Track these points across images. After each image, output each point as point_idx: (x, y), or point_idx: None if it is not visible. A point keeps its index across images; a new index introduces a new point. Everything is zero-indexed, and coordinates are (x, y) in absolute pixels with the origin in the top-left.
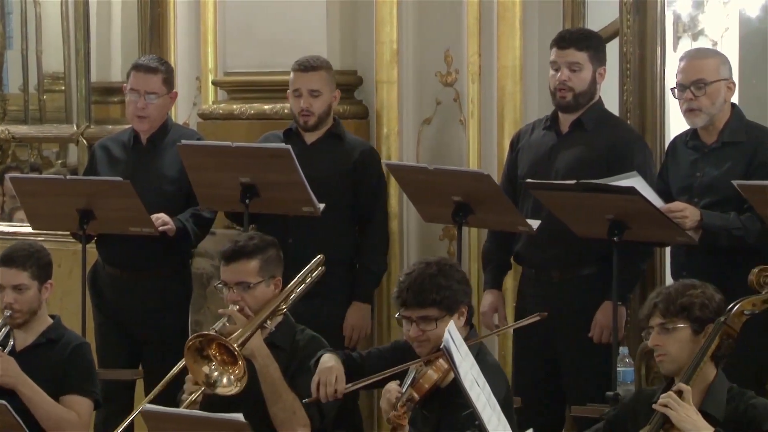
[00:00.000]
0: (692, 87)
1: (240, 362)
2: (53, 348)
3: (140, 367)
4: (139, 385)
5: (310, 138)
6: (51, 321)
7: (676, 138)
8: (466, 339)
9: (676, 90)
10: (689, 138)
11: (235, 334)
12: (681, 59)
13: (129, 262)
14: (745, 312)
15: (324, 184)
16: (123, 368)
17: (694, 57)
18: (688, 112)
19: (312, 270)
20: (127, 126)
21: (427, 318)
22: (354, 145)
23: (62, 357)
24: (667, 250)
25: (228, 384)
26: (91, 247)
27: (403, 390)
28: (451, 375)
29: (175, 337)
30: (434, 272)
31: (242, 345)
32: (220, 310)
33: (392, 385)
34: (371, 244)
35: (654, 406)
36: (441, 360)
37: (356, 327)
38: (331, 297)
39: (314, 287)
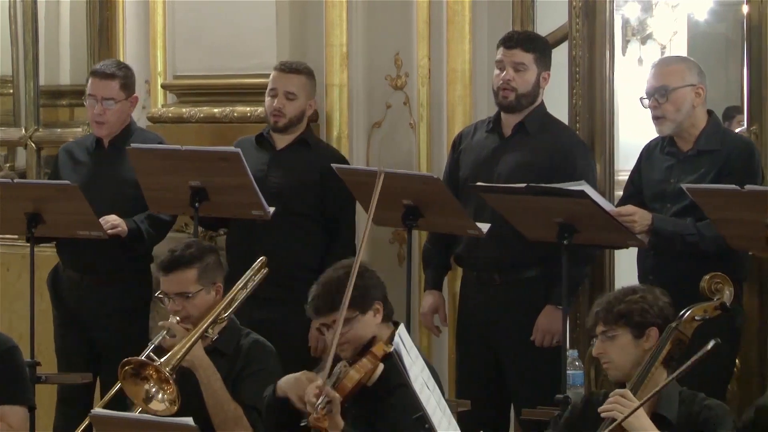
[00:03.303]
0: (656, 94)
1: (172, 385)
2: None
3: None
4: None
5: (280, 143)
6: None
7: (651, 143)
8: (390, 338)
9: (645, 101)
10: (666, 144)
11: (170, 353)
12: (650, 69)
13: (89, 266)
14: (696, 318)
15: (292, 190)
16: (82, 371)
17: (659, 66)
18: (655, 120)
19: (255, 273)
20: (78, 129)
21: (343, 320)
22: (323, 153)
23: None
24: (617, 254)
25: (161, 402)
26: (43, 251)
27: (322, 393)
28: (377, 374)
29: (135, 342)
30: (341, 275)
31: (176, 366)
32: (160, 323)
33: (310, 388)
34: (338, 251)
35: (602, 414)
36: (364, 359)
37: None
38: (297, 303)
39: (281, 294)
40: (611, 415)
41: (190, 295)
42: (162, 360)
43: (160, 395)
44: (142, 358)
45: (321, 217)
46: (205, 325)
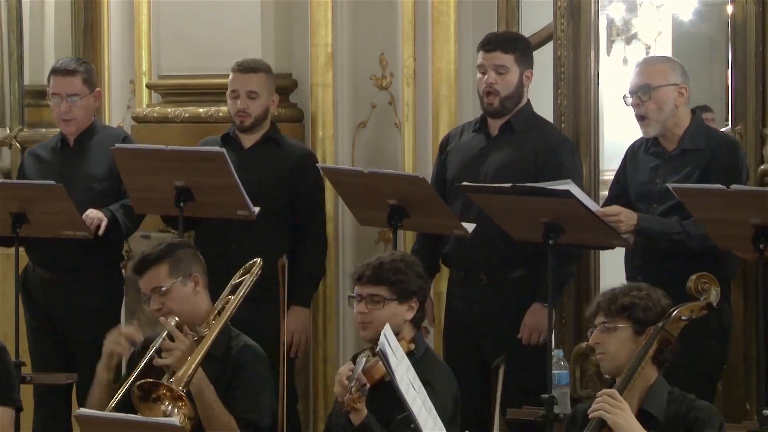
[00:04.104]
0: (639, 92)
1: (186, 401)
2: None
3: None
4: None
5: (247, 142)
6: None
7: (635, 143)
8: (412, 339)
9: (628, 99)
10: (650, 144)
11: (181, 370)
12: (633, 69)
13: (59, 265)
14: (683, 318)
15: (261, 188)
16: (57, 371)
17: (642, 65)
18: (639, 120)
19: (253, 277)
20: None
21: (376, 297)
22: (291, 150)
23: None
24: (604, 254)
25: (177, 417)
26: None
27: (354, 375)
28: None
29: None
30: (397, 258)
31: (187, 384)
32: (161, 318)
33: (344, 369)
34: (309, 249)
35: (590, 415)
36: None
37: (296, 331)
38: (269, 301)
39: (253, 292)
40: (598, 414)
41: (164, 289)
42: (173, 378)
43: (176, 412)
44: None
45: (292, 215)
46: (213, 337)
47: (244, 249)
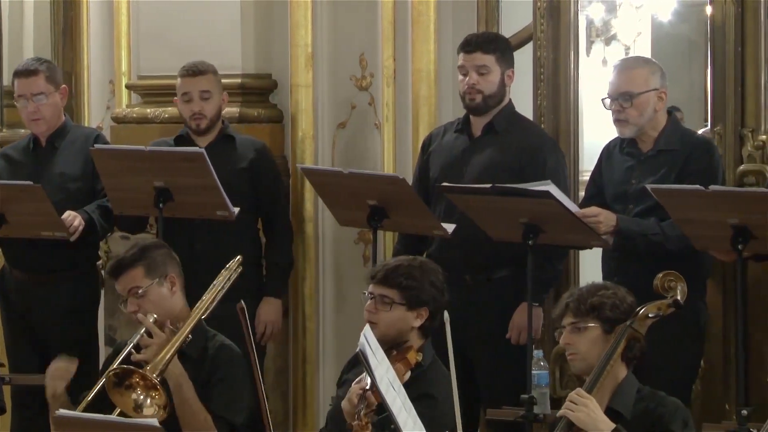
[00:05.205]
0: (620, 99)
1: (161, 390)
2: None
3: None
4: None
5: (202, 142)
6: None
7: (610, 143)
8: (420, 348)
9: (606, 101)
10: (625, 145)
11: (156, 359)
12: (612, 70)
13: (35, 266)
14: (650, 315)
15: (225, 185)
16: (35, 373)
17: (622, 68)
18: (617, 122)
19: (231, 273)
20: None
21: (386, 298)
22: (247, 144)
23: None
24: (583, 254)
25: (150, 408)
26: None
27: (361, 401)
28: (404, 380)
29: (85, 340)
30: (415, 264)
31: (162, 372)
32: (139, 315)
33: (356, 388)
34: (276, 240)
35: (557, 414)
36: (398, 365)
37: (269, 322)
38: (241, 297)
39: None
40: (563, 413)
41: (141, 291)
42: (149, 366)
43: (148, 401)
44: (118, 364)
45: (255, 208)
46: (189, 329)
47: (209, 248)
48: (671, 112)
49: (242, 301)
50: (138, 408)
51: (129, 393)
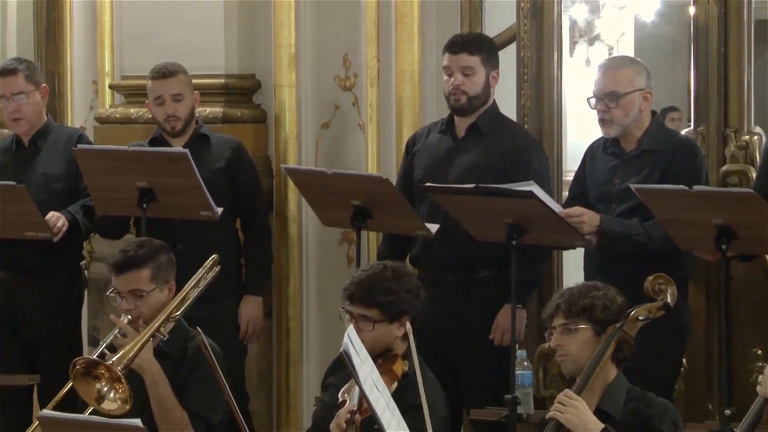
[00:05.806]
0: (606, 99)
1: (124, 384)
2: None
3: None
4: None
5: (177, 144)
6: None
7: (594, 143)
8: (404, 354)
9: (592, 100)
10: (609, 145)
11: (122, 352)
12: (598, 69)
13: (18, 266)
14: (640, 318)
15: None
16: (19, 373)
17: (608, 68)
18: (602, 122)
19: (207, 271)
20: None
21: (367, 318)
22: (222, 143)
23: None
24: (566, 254)
25: (113, 401)
26: None
27: (350, 427)
28: (392, 389)
29: (69, 340)
30: (389, 275)
31: (128, 365)
32: (112, 316)
33: (344, 411)
34: (256, 238)
35: (546, 416)
36: (386, 377)
37: (251, 320)
38: (223, 296)
39: (207, 290)
40: (551, 415)
41: (143, 294)
42: (114, 359)
43: (112, 394)
44: (94, 357)
45: (234, 207)
46: (157, 324)
47: (190, 249)
48: (655, 112)
49: (200, 332)
50: (101, 399)
51: (93, 383)
